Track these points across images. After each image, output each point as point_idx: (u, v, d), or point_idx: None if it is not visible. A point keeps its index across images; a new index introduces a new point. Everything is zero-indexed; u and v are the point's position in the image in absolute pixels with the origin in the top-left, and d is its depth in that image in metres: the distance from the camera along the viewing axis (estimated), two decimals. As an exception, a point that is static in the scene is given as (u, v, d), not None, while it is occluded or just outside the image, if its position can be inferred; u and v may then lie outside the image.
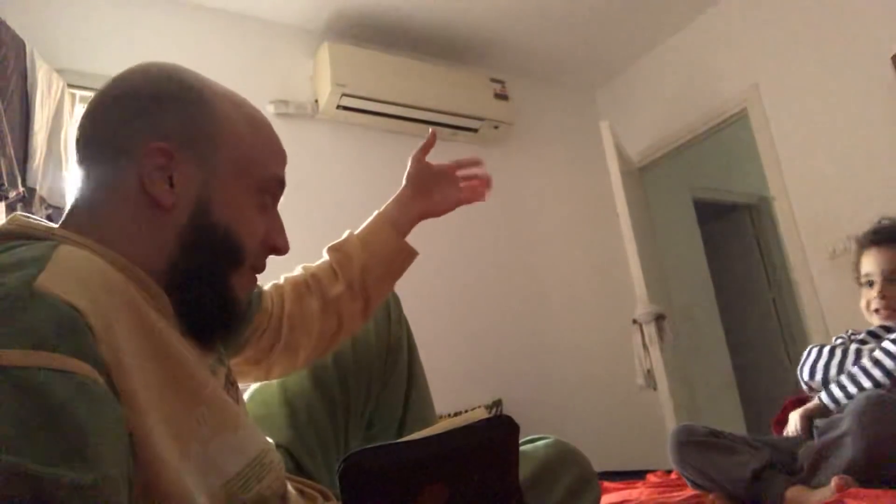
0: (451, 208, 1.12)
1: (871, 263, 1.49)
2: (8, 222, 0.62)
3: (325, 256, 1.01)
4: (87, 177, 0.65)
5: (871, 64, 2.42)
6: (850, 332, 1.55)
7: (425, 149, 1.08)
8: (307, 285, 0.96)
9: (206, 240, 0.66)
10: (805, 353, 1.51)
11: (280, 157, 0.76)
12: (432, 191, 1.10)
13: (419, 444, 0.65)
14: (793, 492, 1.16)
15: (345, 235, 1.04)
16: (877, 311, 1.46)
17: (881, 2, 2.41)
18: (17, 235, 0.60)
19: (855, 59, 2.48)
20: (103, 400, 0.47)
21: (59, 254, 0.54)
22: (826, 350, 1.45)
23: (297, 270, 1.00)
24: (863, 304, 1.50)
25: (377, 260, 1.01)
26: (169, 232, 0.64)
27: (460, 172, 1.11)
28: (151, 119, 0.65)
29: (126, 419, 0.50)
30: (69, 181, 1.94)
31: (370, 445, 0.63)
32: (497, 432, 0.66)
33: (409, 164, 1.09)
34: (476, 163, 1.12)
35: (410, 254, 1.07)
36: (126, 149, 0.64)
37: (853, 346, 1.43)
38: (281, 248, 0.75)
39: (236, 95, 0.73)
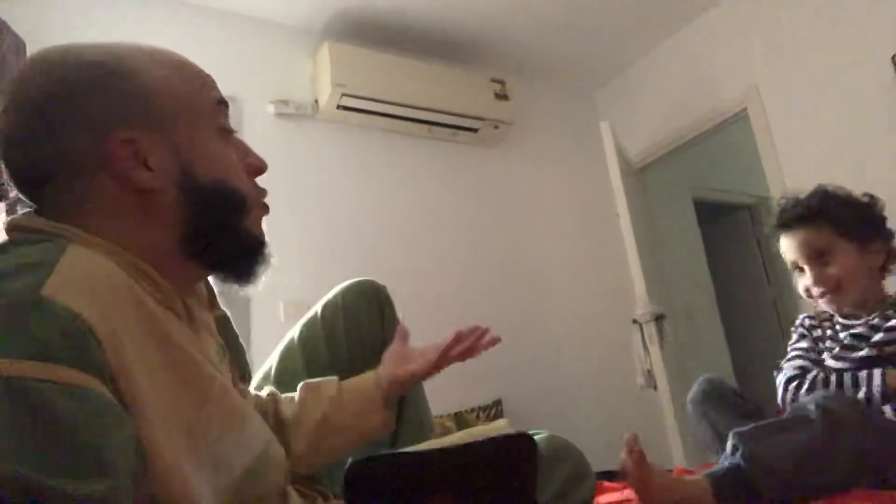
0: (426, 371, 1.00)
1: (790, 250, 1.41)
2: (20, 218, 0.62)
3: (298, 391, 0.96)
4: (52, 197, 0.62)
5: (871, 64, 2.42)
6: (806, 320, 1.44)
7: (401, 341, 1.01)
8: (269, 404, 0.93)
9: (206, 203, 0.65)
10: (780, 386, 1.37)
11: (209, 80, 0.70)
12: (408, 361, 0.99)
13: (433, 456, 0.64)
14: None
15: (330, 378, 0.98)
16: (820, 295, 1.38)
17: (881, 2, 2.41)
18: (26, 230, 0.60)
19: (855, 59, 2.48)
20: (107, 411, 0.47)
21: (67, 257, 0.53)
22: (807, 382, 1.30)
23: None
24: (801, 290, 1.42)
25: (347, 407, 0.93)
26: (167, 211, 0.63)
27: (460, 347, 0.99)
28: (93, 117, 0.61)
29: (133, 425, 0.50)
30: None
31: (381, 453, 0.63)
32: (514, 450, 0.65)
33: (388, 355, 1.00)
34: (476, 333, 1.00)
35: (382, 419, 0.96)
36: (87, 162, 0.60)
37: (847, 378, 1.27)
38: (260, 167, 0.73)
39: (136, 45, 0.67)
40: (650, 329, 2.61)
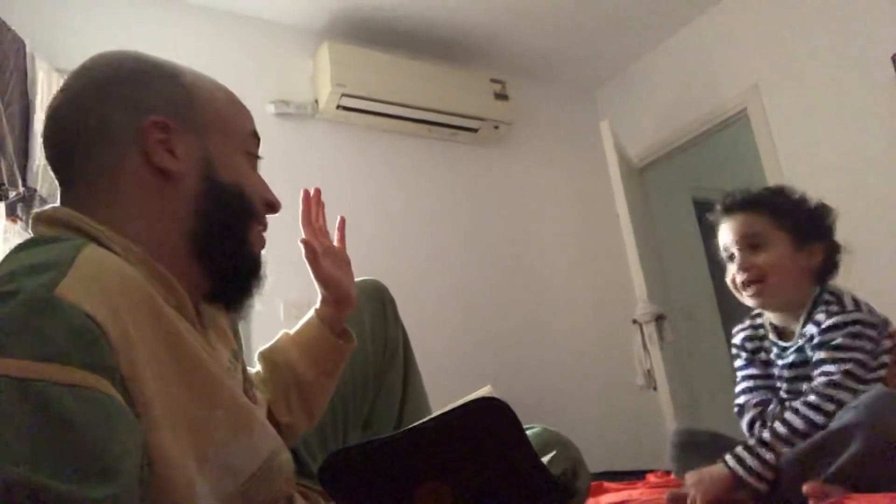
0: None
1: (725, 235, 1.36)
2: (46, 210, 0.63)
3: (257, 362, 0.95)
4: (83, 172, 0.65)
5: (871, 64, 2.42)
6: (747, 343, 1.40)
7: (305, 216, 0.98)
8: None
9: (221, 201, 0.68)
10: (745, 430, 1.34)
11: (248, 113, 0.77)
12: (342, 279, 0.97)
13: (404, 437, 0.63)
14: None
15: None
16: (744, 285, 1.32)
17: (881, 2, 2.41)
18: (50, 221, 0.62)
19: (855, 59, 2.48)
20: (117, 414, 0.47)
21: (83, 257, 0.53)
22: (769, 420, 1.27)
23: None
24: (728, 280, 1.37)
25: (308, 358, 0.92)
26: (184, 202, 0.66)
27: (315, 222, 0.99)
28: (137, 100, 0.66)
29: (141, 430, 0.50)
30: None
31: (355, 443, 0.62)
32: (485, 415, 0.63)
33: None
34: (306, 198, 1.00)
35: (344, 346, 0.95)
36: (121, 134, 0.65)
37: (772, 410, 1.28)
38: (276, 204, 0.77)
39: (196, 69, 0.74)
40: (650, 329, 2.61)
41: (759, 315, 1.41)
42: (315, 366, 0.92)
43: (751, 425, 1.31)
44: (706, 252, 3.69)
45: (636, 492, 1.51)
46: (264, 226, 0.75)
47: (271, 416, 0.86)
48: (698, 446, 1.34)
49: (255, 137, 0.76)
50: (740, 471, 1.15)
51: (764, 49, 2.81)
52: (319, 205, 1.01)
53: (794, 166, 2.68)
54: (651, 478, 1.73)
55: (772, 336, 1.36)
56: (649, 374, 2.60)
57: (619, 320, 3.02)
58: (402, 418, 1.09)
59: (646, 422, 2.92)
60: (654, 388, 2.60)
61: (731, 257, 1.36)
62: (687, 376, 2.99)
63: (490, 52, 3.21)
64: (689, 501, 1.17)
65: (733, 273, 1.35)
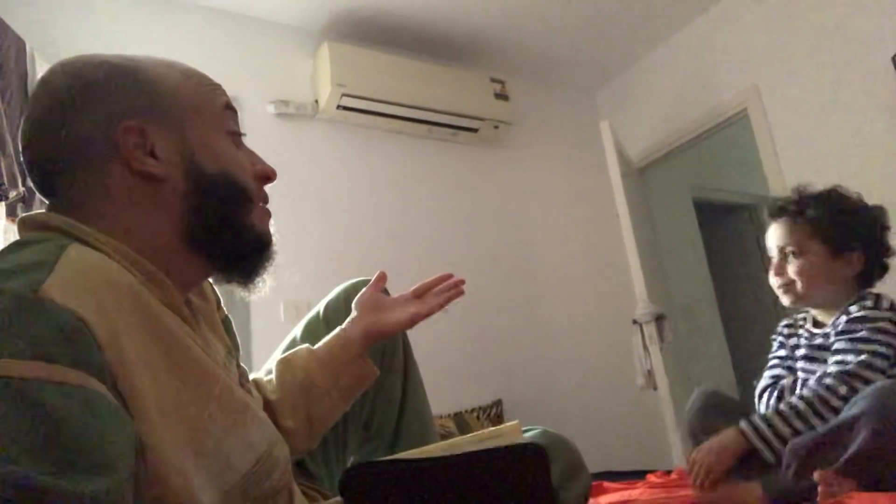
0: (405, 326, 1.01)
1: (769, 239, 1.44)
2: (33, 214, 0.63)
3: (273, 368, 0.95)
4: (66, 187, 0.64)
5: (871, 64, 2.42)
6: (784, 329, 1.46)
7: (376, 285, 1.03)
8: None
9: (210, 193, 0.67)
10: (756, 397, 1.40)
11: (219, 88, 0.75)
12: (384, 310, 0.99)
13: (431, 465, 0.63)
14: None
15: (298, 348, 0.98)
16: (778, 288, 1.40)
17: (881, 2, 2.41)
18: (37, 225, 0.61)
19: (855, 60, 2.48)
20: (107, 411, 0.47)
21: (67, 257, 0.53)
22: (776, 391, 1.33)
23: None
24: (770, 280, 1.44)
25: (323, 367, 0.92)
26: (173, 202, 0.65)
27: (436, 290, 1.05)
28: (104, 109, 0.64)
29: (134, 426, 0.50)
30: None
31: (379, 459, 0.62)
32: (519, 461, 0.63)
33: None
34: (444, 280, 1.07)
35: (362, 370, 0.95)
36: (97, 149, 0.63)
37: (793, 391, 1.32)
38: (270, 174, 0.75)
39: (155, 57, 0.72)
40: (650, 329, 2.61)
41: (807, 310, 1.46)
42: (329, 374, 0.91)
43: (761, 393, 1.37)
44: (706, 252, 3.69)
45: (636, 492, 1.51)
46: (264, 199, 0.74)
47: (273, 418, 0.85)
48: (723, 409, 1.37)
49: (231, 110, 0.74)
50: (753, 437, 1.16)
51: (764, 49, 2.81)
52: (448, 287, 1.06)
53: (794, 166, 2.68)
54: (651, 478, 1.73)
55: (808, 325, 1.42)
56: (649, 374, 2.60)
57: (619, 320, 3.02)
58: (402, 418, 1.08)
59: (646, 422, 2.92)
60: (654, 388, 2.60)
61: (772, 260, 1.43)
62: (687, 376, 2.98)
63: (490, 52, 3.21)
64: (695, 471, 1.18)
65: (772, 274, 1.42)
